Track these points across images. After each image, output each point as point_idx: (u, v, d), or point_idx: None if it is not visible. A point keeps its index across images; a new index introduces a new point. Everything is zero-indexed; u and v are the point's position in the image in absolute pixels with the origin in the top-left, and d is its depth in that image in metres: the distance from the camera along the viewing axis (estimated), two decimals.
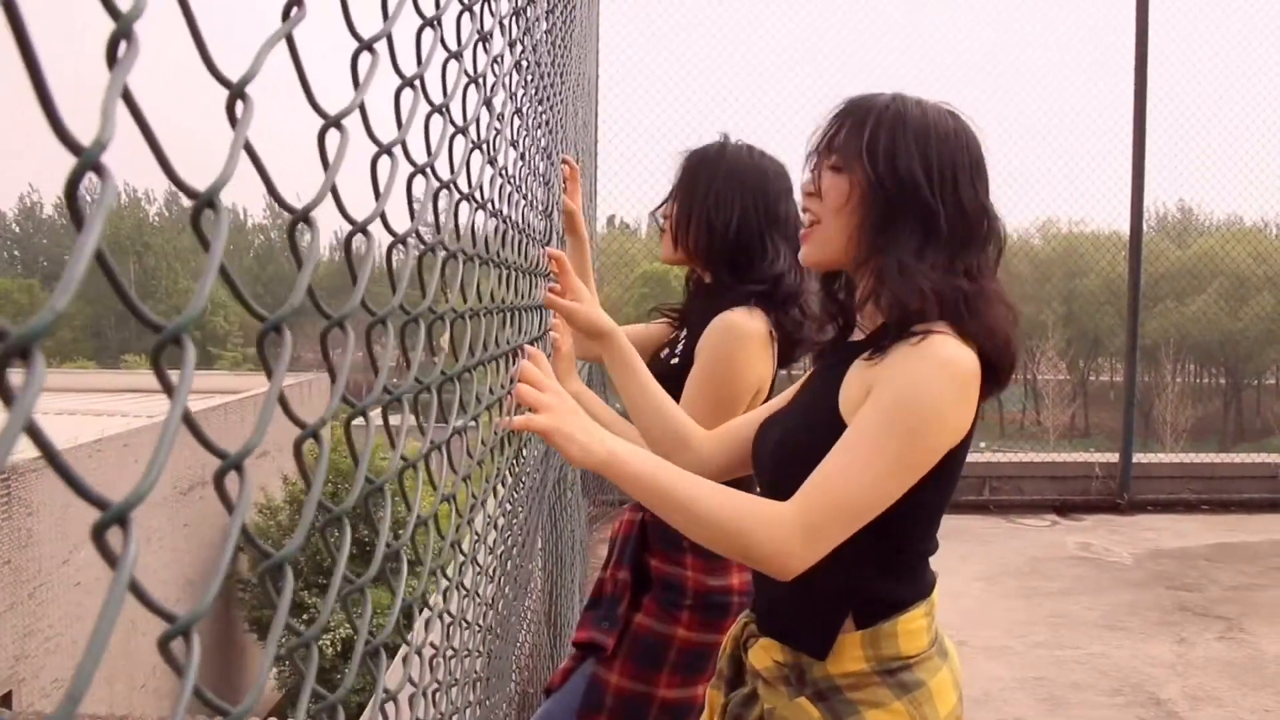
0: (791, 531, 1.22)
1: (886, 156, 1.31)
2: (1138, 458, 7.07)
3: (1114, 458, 6.99)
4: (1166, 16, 7.12)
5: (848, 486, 1.22)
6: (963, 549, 5.72)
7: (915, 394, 1.23)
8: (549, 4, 1.80)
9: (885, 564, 1.35)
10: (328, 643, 16.62)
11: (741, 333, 1.93)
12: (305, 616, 15.30)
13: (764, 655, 1.41)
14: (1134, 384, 7.26)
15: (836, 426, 1.29)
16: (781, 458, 1.41)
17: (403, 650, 0.88)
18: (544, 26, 1.69)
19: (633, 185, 6.82)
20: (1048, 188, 8.82)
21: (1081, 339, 36.60)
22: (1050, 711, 3.65)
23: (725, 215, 2.01)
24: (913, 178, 1.30)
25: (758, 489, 1.49)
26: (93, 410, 20.99)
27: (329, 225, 0.65)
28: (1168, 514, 6.71)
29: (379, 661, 0.64)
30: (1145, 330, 8.00)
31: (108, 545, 0.34)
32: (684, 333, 2.10)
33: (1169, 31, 7.40)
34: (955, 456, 1.30)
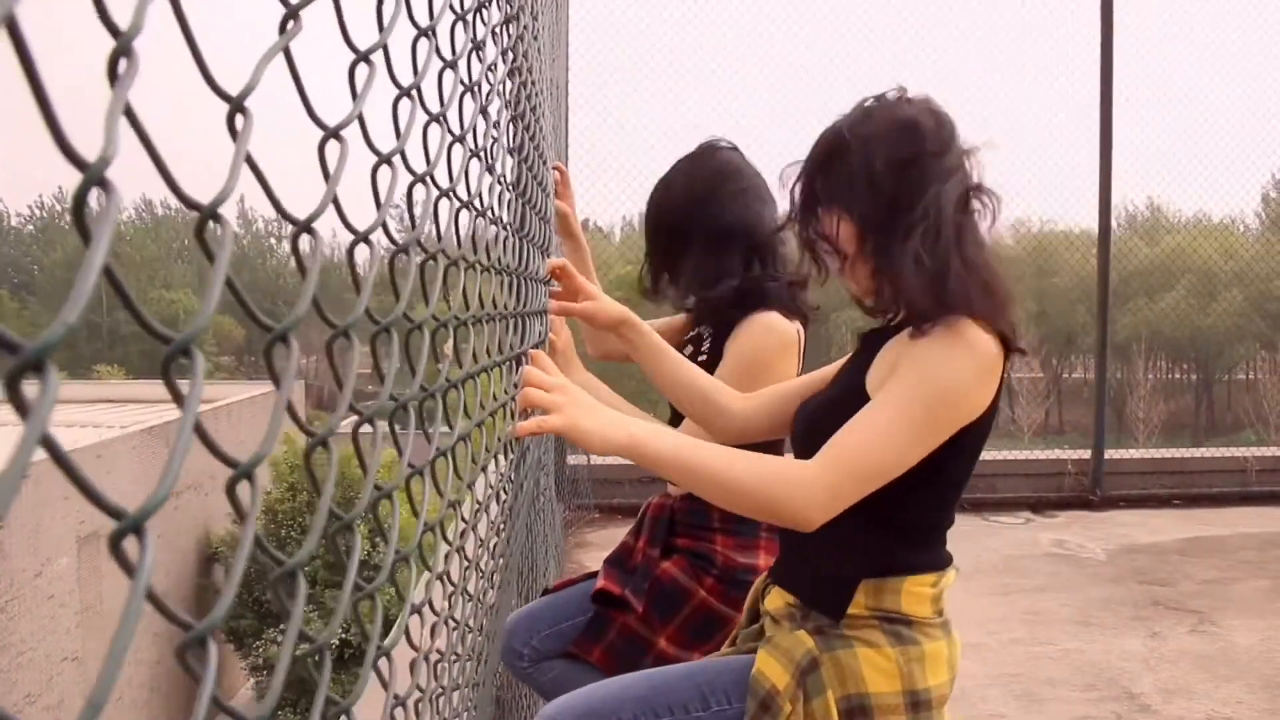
0: (815, 489, 1.29)
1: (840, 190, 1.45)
2: (1110, 454, 7.13)
3: (1087, 454, 7.04)
4: (1130, 17, 7.20)
5: (869, 447, 1.30)
6: None
7: (940, 369, 1.31)
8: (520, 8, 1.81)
9: (900, 531, 1.42)
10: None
11: (777, 332, 2.00)
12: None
13: (778, 598, 1.50)
14: (1105, 381, 7.32)
15: (861, 401, 1.37)
16: (810, 429, 1.48)
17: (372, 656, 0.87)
18: (530, 33, 1.70)
19: (605, 189, 6.81)
20: (1019, 188, 8.89)
21: (1054, 337, 36.82)
22: (1026, 708, 3.68)
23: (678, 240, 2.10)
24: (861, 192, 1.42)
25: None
26: (65, 421, 20.72)
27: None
28: (1140, 509, 6.77)
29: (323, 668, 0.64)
30: (1116, 327, 8.08)
31: (124, 554, 0.35)
32: (707, 329, 2.14)
33: (1133, 31, 7.49)
34: (973, 432, 1.38)
